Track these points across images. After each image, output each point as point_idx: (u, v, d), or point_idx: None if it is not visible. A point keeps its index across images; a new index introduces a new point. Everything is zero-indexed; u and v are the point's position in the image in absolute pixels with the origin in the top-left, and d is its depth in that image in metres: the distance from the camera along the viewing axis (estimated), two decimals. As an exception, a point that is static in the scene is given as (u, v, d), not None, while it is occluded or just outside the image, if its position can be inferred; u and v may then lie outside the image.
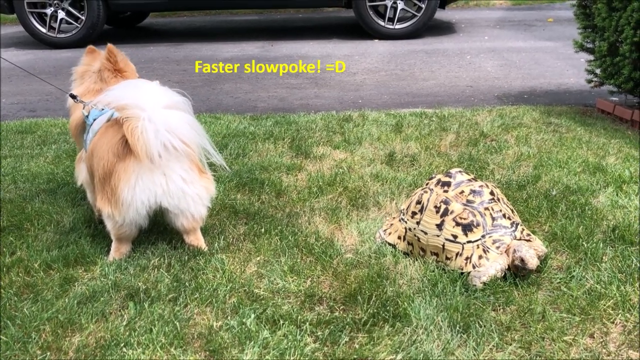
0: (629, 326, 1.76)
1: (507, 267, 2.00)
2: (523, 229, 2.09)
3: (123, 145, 2.05)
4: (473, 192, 2.10)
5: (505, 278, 1.99)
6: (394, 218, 2.36)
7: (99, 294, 1.98)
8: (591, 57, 3.98)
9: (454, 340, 1.72)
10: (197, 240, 2.25)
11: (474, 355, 1.68)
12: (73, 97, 2.42)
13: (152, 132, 1.98)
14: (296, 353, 1.69)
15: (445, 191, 2.14)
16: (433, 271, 2.04)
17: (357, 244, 2.29)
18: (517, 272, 1.99)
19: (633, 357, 1.65)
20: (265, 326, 1.80)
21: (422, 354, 1.68)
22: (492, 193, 2.12)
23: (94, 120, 2.27)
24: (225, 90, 5.10)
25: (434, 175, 2.28)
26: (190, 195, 2.12)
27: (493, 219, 2.05)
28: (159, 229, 2.40)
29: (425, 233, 2.12)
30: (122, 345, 1.73)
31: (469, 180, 2.16)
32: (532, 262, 1.93)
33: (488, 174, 2.91)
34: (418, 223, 2.15)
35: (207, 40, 7.56)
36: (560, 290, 1.94)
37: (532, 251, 1.96)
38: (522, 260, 1.93)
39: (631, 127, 3.64)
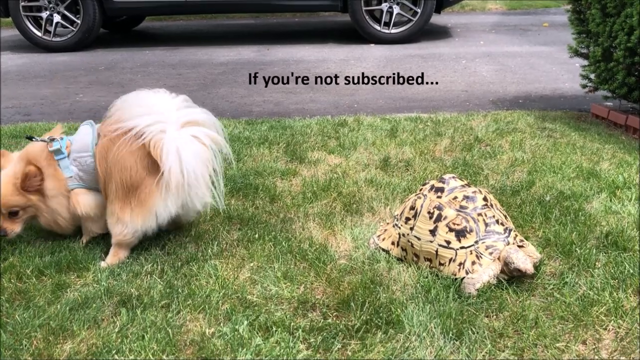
0: (622, 333, 1.76)
1: (499, 272, 2.00)
2: (516, 235, 2.09)
3: (153, 162, 2.11)
4: (466, 198, 2.10)
5: (499, 284, 1.99)
6: (387, 224, 2.36)
7: (91, 301, 1.97)
8: (585, 62, 3.99)
9: (446, 347, 1.72)
10: (180, 228, 2.47)
11: (467, 362, 1.68)
12: (30, 138, 2.34)
13: (179, 172, 2.10)
14: (289, 360, 1.69)
15: (439, 197, 2.14)
16: (426, 277, 2.04)
17: (351, 249, 2.29)
18: (513, 276, 1.99)
19: (625, 364, 1.66)
20: (258, 333, 1.80)
21: (414, 361, 1.67)
22: (485, 199, 2.12)
23: (64, 143, 2.27)
24: (221, 95, 5.10)
25: (427, 181, 2.28)
26: (197, 211, 2.33)
27: (486, 224, 2.05)
28: (151, 235, 2.39)
29: (419, 239, 2.12)
30: (113, 352, 1.73)
31: (462, 186, 2.17)
32: (529, 268, 1.93)
33: (482, 179, 2.92)
34: (412, 229, 2.15)
35: (203, 44, 7.57)
36: (553, 296, 1.94)
37: (521, 254, 1.96)
38: (518, 270, 1.94)
39: (625, 132, 3.66)
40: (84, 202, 2.28)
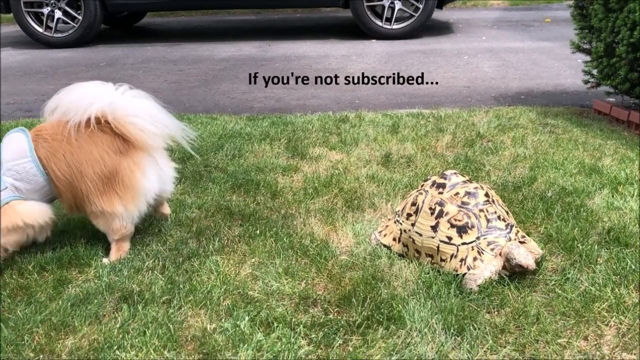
0: (623, 329, 1.76)
1: (501, 268, 1.99)
2: (518, 231, 2.08)
3: (122, 143, 2.11)
4: (468, 193, 2.10)
5: (500, 280, 1.99)
6: (389, 220, 2.35)
7: (92, 296, 1.97)
8: (588, 58, 3.98)
9: (448, 343, 1.72)
10: (166, 209, 2.47)
11: (468, 357, 1.67)
12: None
13: (150, 126, 2.13)
14: (290, 356, 1.68)
15: (440, 193, 2.14)
16: (428, 273, 2.04)
17: (352, 245, 2.28)
18: (515, 272, 1.99)
19: (627, 360, 1.66)
20: (259, 329, 1.80)
21: (416, 357, 1.67)
22: (487, 195, 2.11)
23: None
24: (222, 91, 5.10)
25: (429, 177, 2.28)
26: (170, 178, 2.35)
27: (488, 220, 2.05)
28: (153, 231, 2.39)
29: (420, 235, 2.11)
30: (115, 347, 1.73)
31: (464, 181, 2.16)
32: (531, 264, 1.93)
33: (484, 175, 2.91)
34: (413, 225, 2.15)
35: (204, 40, 7.56)
36: (554, 292, 1.94)
37: (522, 250, 1.96)
38: (520, 266, 1.93)
39: (627, 128, 3.65)
40: (26, 211, 2.12)
